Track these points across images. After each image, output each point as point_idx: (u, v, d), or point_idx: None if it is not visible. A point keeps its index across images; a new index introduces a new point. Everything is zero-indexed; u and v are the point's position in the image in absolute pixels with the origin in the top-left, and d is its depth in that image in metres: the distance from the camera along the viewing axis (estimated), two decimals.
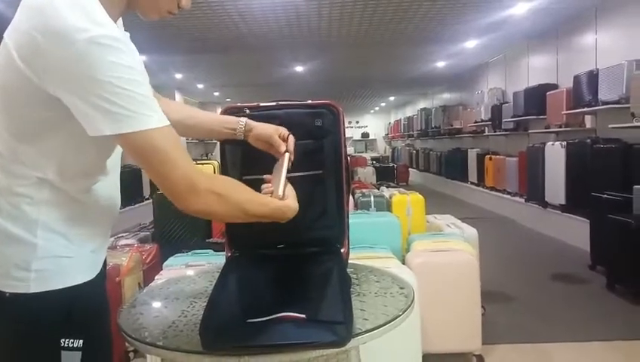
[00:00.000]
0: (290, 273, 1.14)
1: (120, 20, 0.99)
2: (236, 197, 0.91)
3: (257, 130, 1.15)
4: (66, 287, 0.88)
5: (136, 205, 7.12)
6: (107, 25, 0.80)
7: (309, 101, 1.27)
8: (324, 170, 1.22)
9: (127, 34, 0.92)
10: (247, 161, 1.23)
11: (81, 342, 0.88)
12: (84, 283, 0.91)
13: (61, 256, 0.88)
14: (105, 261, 1.04)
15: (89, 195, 0.93)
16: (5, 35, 0.83)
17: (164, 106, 1.13)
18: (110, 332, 1.00)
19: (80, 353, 0.88)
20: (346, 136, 1.34)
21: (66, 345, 0.87)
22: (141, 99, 0.80)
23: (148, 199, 7.12)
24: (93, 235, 0.95)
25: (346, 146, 1.28)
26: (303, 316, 0.90)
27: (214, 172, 3.60)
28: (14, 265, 0.86)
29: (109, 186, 0.98)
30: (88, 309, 0.92)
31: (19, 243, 0.86)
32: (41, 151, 0.86)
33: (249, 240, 1.26)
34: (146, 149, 0.82)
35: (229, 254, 1.28)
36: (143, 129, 0.80)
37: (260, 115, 1.23)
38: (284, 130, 1.15)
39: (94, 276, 0.94)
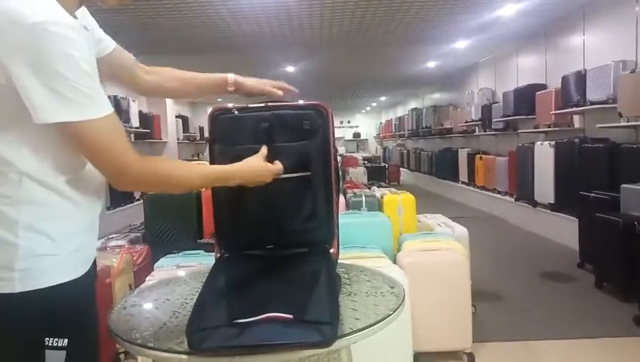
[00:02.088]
0: (278, 274, 1.15)
1: (84, 9, 1.00)
2: (170, 175, 0.99)
3: (246, 86, 1.30)
4: (52, 286, 0.88)
5: (127, 206, 7.08)
6: (55, 11, 0.82)
7: (299, 102, 1.28)
8: (314, 172, 1.22)
9: (92, 21, 1.00)
10: (237, 162, 1.23)
11: (65, 341, 0.87)
12: (70, 281, 0.90)
13: (44, 255, 0.88)
14: (94, 261, 1.03)
15: (70, 190, 0.92)
16: None
17: (158, 77, 1.27)
18: (98, 334, 0.99)
19: (64, 352, 0.87)
20: (338, 136, 1.36)
21: (50, 344, 0.86)
22: (84, 90, 0.83)
23: (138, 200, 7.07)
24: (76, 232, 0.94)
25: (335, 147, 1.29)
26: (290, 316, 0.91)
27: None
28: None
29: (91, 181, 0.98)
30: (74, 308, 0.91)
31: (1, 245, 0.86)
32: (13, 145, 0.86)
33: (238, 242, 1.27)
34: (83, 138, 0.86)
35: (219, 255, 1.28)
36: (82, 119, 0.83)
37: (248, 115, 1.23)
38: (275, 83, 1.27)
39: (80, 275, 0.94)
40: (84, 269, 0.95)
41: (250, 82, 1.29)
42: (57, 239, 0.90)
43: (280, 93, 1.29)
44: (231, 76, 1.30)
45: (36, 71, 0.80)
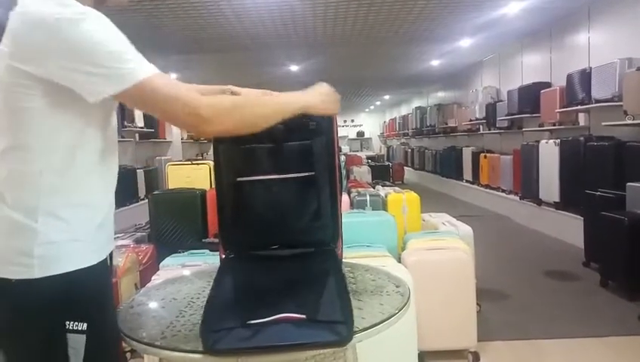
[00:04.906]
0: (287, 274, 1.15)
1: None
2: (245, 107, 1.00)
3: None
4: (69, 271, 0.90)
5: (132, 205, 7.10)
6: (76, 3, 0.88)
7: None
8: (318, 171, 1.23)
9: None
10: (241, 162, 1.23)
11: (85, 325, 0.90)
12: (86, 268, 0.93)
13: (62, 241, 0.91)
14: (111, 253, 1.06)
15: (86, 180, 0.95)
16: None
17: None
18: (115, 323, 1.01)
19: (84, 336, 0.90)
20: (341, 135, 1.36)
21: (70, 328, 0.89)
22: (130, 56, 0.88)
23: (143, 199, 7.10)
24: (92, 221, 0.97)
25: (339, 147, 1.29)
26: (303, 316, 0.91)
27: (209, 173, 3.61)
28: (18, 251, 0.89)
29: (105, 173, 1.01)
30: (91, 294, 0.94)
31: (21, 230, 0.89)
32: (37, 137, 0.89)
33: (243, 242, 1.27)
34: (148, 96, 0.89)
35: (224, 256, 1.28)
36: (139, 80, 0.87)
37: None
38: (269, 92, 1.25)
39: (96, 263, 0.96)
40: (100, 258, 0.98)
41: (245, 92, 1.29)
42: (75, 226, 0.93)
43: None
44: (228, 88, 1.31)
45: (81, 58, 0.85)
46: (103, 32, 0.87)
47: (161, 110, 0.92)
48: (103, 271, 1.00)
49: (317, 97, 1.12)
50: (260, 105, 1.03)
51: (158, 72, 0.91)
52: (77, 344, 0.90)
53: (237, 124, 0.96)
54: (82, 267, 0.93)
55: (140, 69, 0.88)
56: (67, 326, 0.89)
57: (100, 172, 0.99)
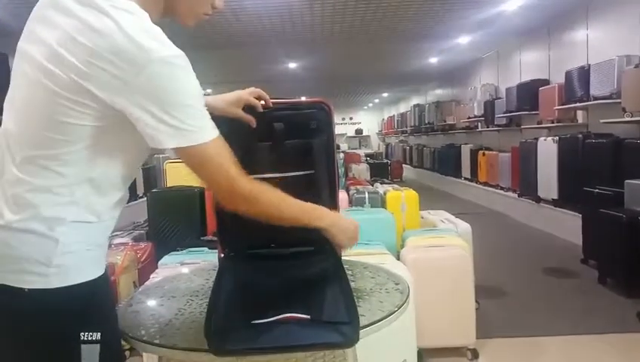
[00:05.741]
0: (289, 273, 1.15)
1: None
2: (279, 207, 0.99)
3: (219, 110, 1.20)
4: (85, 281, 0.89)
5: (130, 203, 7.08)
6: (171, 44, 0.85)
7: (302, 98, 1.28)
8: (318, 169, 1.22)
9: None
10: (241, 161, 1.23)
11: (99, 334, 0.89)
12: (98, 277, 0.93)
13: (80, 251, 0.90)
14: None
15: (114, 193, 0.95)
16: (56, 46, 0.84)
17: None
18: (118, 325, 1.01)
19: (99, 345, 0.89)
20: (340, 132, 1.36)
21: (85, 339, 0.88)
22: (201, 115, 0.88)
23: (142, 197, 7.09)
24: (107, 229, 0.97)
25: (336, 143, 1.29)
26: (308, 316, 0.90)
27: None
28: (35, 261, 0.86)
29: (126, 188, 1.01)
30: (103, 302, 0.94)
31: (41, 240, 0.86)
32: (77, 150, 0.87)
33: (242, 241, 1.26)
34: (198, 159, 0.89)
35: (223, 255, 1.27)
36: (200, 143, 0.87)
37: (253, 114, 1.23)
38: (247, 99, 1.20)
39: (105, 271, 0.96)
40: (105, 266, 0.98)
41: (221, 106, 1.21)
42: (93, 236, 0.92)
43: (254, 124, 1.22)
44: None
45: (159, 102, 0.83)
46: (188, 83, 0.86)
47: (203, 176, 0.92)
48: (107, 278, 0.99)
49: (342, 224, 1.10)
50: (290, 210, 1.02)
51: (217, 135, 0.90)
52: (90, 354, 0.88)
53: (263, 213, 0.98)
54: (95, 276, 0.92)
55: (205, 130, 0.87)
56: (82, 338, 0.87)
57: (123, 188, 0.98)
